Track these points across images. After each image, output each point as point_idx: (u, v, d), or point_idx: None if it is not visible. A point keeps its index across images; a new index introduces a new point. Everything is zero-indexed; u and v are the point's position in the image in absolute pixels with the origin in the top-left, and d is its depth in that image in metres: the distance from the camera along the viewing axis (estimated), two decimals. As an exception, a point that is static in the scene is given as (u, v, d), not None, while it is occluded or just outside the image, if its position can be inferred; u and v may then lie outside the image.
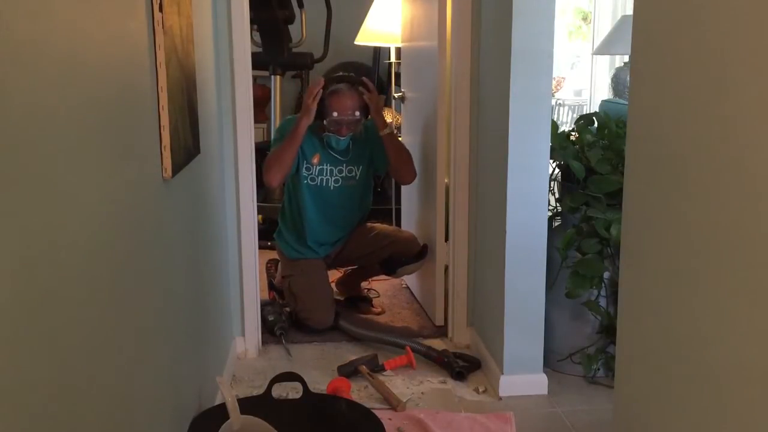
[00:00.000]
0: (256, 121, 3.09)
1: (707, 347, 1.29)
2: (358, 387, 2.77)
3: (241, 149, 2.93)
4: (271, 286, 3.67)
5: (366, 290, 3.70)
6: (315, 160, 3.27)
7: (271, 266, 3.77)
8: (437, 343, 3.16)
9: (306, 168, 3.27)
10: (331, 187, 3.31)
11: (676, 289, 1.39)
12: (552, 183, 2.83)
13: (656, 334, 1.49)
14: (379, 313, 3.47)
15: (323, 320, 3.24)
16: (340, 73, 3.43)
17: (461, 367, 2.88)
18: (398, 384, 2.79)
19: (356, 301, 3.58)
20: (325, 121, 3.17)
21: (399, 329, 3.32)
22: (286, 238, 3.44)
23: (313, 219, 3.33)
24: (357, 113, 3.18)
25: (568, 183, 2.86)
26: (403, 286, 3.87)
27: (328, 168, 3.29)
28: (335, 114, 3.15)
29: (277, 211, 3.57)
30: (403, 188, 3.92)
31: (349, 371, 2.83)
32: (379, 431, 2.02)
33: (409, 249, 3.39)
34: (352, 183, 3.33)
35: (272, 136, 3.50)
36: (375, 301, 3.64)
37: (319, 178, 3.29)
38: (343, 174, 3.31)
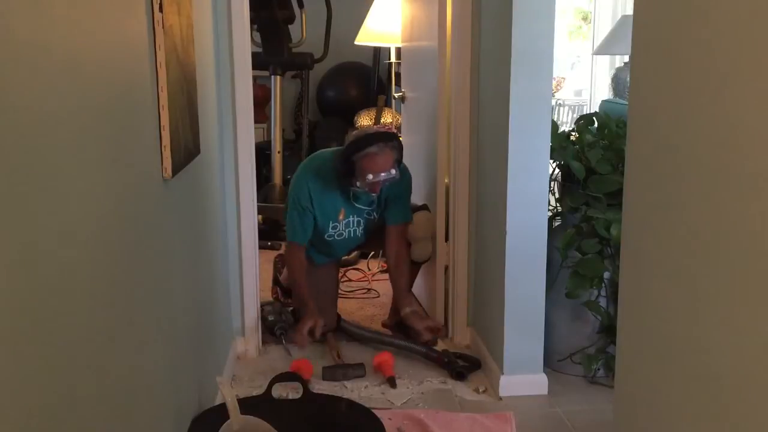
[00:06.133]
0: (256, 121, 3.09)
1: (707, 347, 1.29)
2: (358, 387, 2.77)
3: (241, 149, 2.92)
4: (276, 281, 3.66)
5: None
6: (341, 217, 3.14)
7: (279, 261, 3.75)
8: (441, 347, 3.17)
9: (332, 227, 3.14)
10: (357, 235, 3.23)
11: (676, 289, 1.39)
12: (552, 183, 2.83)
13: (656, 334, 1.49)
14: (427, 341, 3.11)
15: (325, 325, 3.23)
16: (371, 131, 3.07)
17: (461, 367, 2.88)
18: (399, 384, 2.79)
19: (406, 326, 3.22)
20: (358, 183, 2.97)
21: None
22: None
23: (325, 252, 3.29)
24: (393, 171, 2.96)
25: (568, 183, 2.86)
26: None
27: (354, 219, 3.16)
28: (371, 177, 2.93)
29: (277, 212, 3.55)
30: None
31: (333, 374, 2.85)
32: (379, 431, 2.02)
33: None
34: (371, 225, 3.24)
35: (290, 191, 3.17)
36: (377, 301, 3.64)
37: (346, 231, 3.18)
38: (367, 218, 3.19)
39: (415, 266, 3.31)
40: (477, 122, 2.96)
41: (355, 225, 3.18)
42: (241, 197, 2.96)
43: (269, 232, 4.37)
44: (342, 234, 3.18)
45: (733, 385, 1.21)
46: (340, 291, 3.70)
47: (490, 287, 2.87)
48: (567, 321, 2.85)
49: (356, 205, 3.13)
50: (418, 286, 3.64)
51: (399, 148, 3.04)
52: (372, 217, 3.20)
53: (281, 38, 4.65)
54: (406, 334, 3.22)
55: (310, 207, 3.08)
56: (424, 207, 3.30)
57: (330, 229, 3.15)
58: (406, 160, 3.93)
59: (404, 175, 3.18)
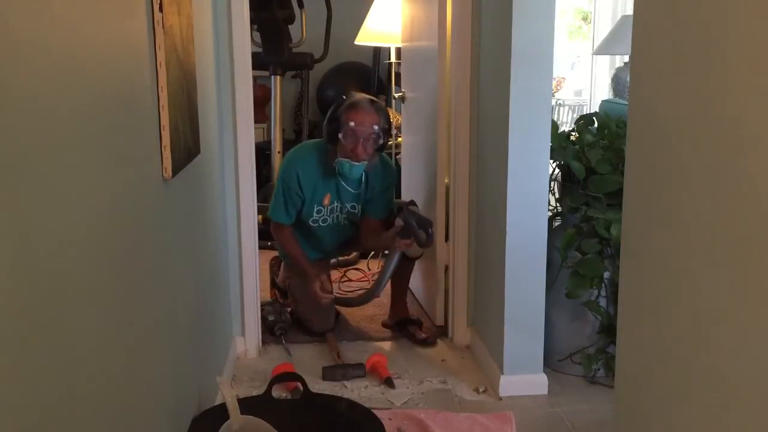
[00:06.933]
0: (256, 121, 3.09)
1: (707, 347, 1.29)
2: (358, 387, 2.77)
3: (241, 149, 2.93)
4: (273, 284, 3.66)
5: (415, 316, 3.39)
6: (326, 201, 3.17)
7: (274, 264, 3.76)
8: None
9: (317, 211, 3.19)
10: (340, 223, 3.27)
11: (676, 289, 1.39)
12: (552, 183, 2.83)
13: (656, 334, 1.49)
14: (426, 338, 3.19)
15: (323, 325, 3.24)
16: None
17: (427, 234, 2.99)
18: (398, 384, 2.80)
19: (405, 323, 3.30)
20: (340, 135, 2.99)
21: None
22: None
23: (313, 245, 3.32)
24: (375, 127, 2.99)
25: (568, 183, 2.86)
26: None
27: (338, 205, 3.20)
28: (351, 124, 2.95)
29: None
30: (404, 188, 3.93)
31: (333, 374, 2.85)
32: (379, 431, 2.02)
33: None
34: (354, 218, 3.28)
35: (279, 173, 3.26)
36: (377, 301, 3.63)
37: (331, 217, 3.22)
38: (351, 211, 3.23)
39: (409, 263, 3.32)
40: (477, 122, 2.96)
41: (338, 211, 3.22)
42: (241, 197, 2.96)
43: (269, 232, 4.36)
44: (326, 220, 3.22)
45: (733, 384, 1.21)
46: (340, 291, 3.71)
47: (490, 287, 2.87)
48: (567, 321, 2.85)
49: (343, 184, 3.14)
50: (418, 286, 3.64)
51: (385, 114, 3.08)
52: (356, 211, 3.24)
53: (281, 38, 4.64)
54: (407, 331, 3.24)
55: (297, 190, 3.13)
56: (412, 203, 3.32)
57: (315, 213, 3.18)
58: (406, 160, 3.96)
59: (390, 169, 3.27)
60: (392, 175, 3.30)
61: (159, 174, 1.71)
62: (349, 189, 3.16)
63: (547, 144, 2.60)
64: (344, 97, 3.12)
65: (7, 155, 0.90)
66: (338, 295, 3.42)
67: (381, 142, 3.04)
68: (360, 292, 3.57)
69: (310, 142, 3.40)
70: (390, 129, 3.11)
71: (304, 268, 3.20)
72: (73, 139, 1.15)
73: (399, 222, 3.06)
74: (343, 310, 3.46)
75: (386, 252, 3.39)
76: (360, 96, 3.09)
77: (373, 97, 3.18)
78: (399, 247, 3.08)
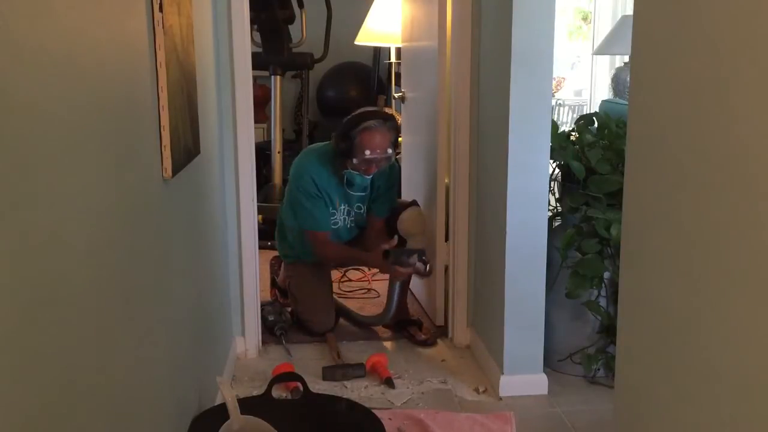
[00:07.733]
0: (256, 121, 3.09)
1: (707, 347, 1.29)
2: (358, 387, 2.77)
3: (241, 149, 2.93)
4: (274, 284, 3.67)
5: (415, 317, 3.40)
6: (336, 205, 3.22)
7: (275, 263, 3.76)
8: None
9: (330, 214, 3.21)
10: (346, 226, 3.29)
11: (676, 289, 1.39)
12: (552, 183, 2.83)
13: (656, 334, 1.49)
14: (425, 340, 3.20)
15: (323, 324, 3.25)
16: (370, 108, 3.28)
17: (423, 263, 3.03)
18: (398, 384, 2.80)
19: (405, 324, 3.30)
20: (354, 160, 3.05)
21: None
22: (288, 243, 3.39)
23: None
24: (389, 150, 3.08)
25: (568, 183, 2.86)
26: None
27: (345, 208, 3.24)
28: (367, 152, 3.02)
29: (277, 212, 3.56)
30: (404, 188, 3.92)
31: (333, 374, 2.85)
32: (379, 431, 2.02)
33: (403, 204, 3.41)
34: (360, 218, 3.31)
35: (291, 185, 3.25)
36: (378, 301, 3.64)
37: (341, 219, 3.25)
38: (357, 212, 3.27)
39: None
40: (477, 122, 2.96)
41: (345, 214, 3.25)
42: (241, 197, 2.96)
43: (269, 232, 4.36)
44: (337, 223, 3.24)
45: (733, 384, 1.21)
46: (340, 291, 3.71)
47: (490, 287, 2.87)
48: (567, 321, 2.85)
49: (349, 191, 3.19)
50: (418, 286, 3.64)
51: (396, 128, 3.13)
52: (361, 211, 3.28)
53: (281, 38, 4.65)
54: (407, 331, 3.24)
55: (317, 193, 3.15)
56: (414, 203, 3.33)
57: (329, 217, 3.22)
58: (406, 160, 3.96)
59: (394, 168, 3.30)
60: (396, 174, 3.34)
61: (159, 174, 1.71)
62: (355, 194, 3.20)
63: (547, 144, 2.60)
64: (356, 114, 3.10)
65: (7, 155, 0.90)
66: (342, 304, 3.44)
67: (393, 158, 3.12)
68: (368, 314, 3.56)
69: (312, 147, 3.38)
70: (398, 139, 3.15)
71: (364, 261, 3.27)
72: (73, 140, 1.15)
73: (392, 259, 3.10)
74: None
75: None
76: (373, 119, 3.06)
77: (382, 111, 3.21)
78: (400, 276, 3.13)
